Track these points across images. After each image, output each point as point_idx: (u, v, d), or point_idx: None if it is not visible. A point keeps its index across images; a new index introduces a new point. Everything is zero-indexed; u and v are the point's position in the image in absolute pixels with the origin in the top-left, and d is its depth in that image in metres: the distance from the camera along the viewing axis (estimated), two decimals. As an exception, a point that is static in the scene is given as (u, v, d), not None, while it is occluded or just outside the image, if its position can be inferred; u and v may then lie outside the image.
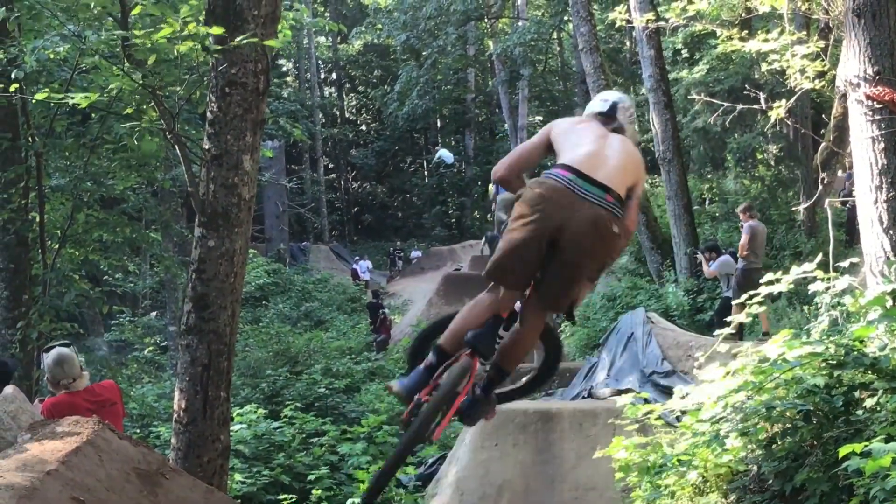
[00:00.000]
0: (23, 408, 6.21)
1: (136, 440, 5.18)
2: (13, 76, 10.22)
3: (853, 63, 8.72)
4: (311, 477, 14.58)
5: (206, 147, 8.23)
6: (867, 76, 8.57)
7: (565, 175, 5.11)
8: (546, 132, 5.77)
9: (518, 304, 5.37)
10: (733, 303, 14.40)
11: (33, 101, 10.04)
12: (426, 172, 56.26)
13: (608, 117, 5.79)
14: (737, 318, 8.64)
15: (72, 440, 4.56)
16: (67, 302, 14.06)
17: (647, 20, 17.54)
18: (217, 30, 7.62)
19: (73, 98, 8.37)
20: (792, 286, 8.08)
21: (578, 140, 5.46)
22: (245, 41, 7.62)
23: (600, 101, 5.94)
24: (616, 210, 5.08)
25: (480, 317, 5.24)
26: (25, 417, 6.06)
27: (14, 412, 6.12)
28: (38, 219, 13.63)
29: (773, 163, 22.51)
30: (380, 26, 41.21)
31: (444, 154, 44.24)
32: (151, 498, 4.69)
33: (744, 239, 14.18)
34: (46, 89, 9.68)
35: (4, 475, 4.02)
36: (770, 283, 8.02)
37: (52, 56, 9.67)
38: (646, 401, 9.90)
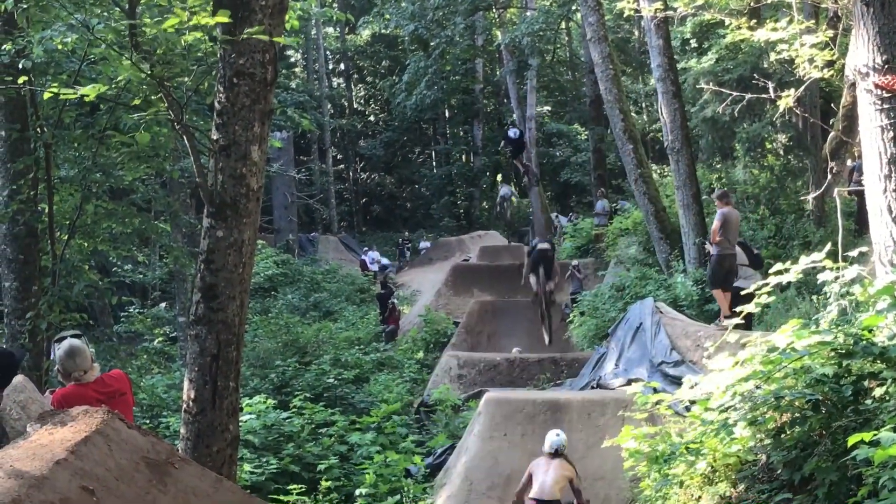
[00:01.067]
0: (32, 398, 6.24)
1: (146, 430, 5.19)
2: (21, 66, 10.23)
3: (862, 52, 8.69)
4: (321, 467, 14.63)
5: (215, 137, 8.24)
6: (876, 65, 8.54)
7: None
8: (529, 469, 10.73)
9: None
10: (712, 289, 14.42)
11: (44, 96, 10.00)
12: (434, 163, 56.26)
13: (554, 454, 10.63)
14: (747, 307, 8.64)
15: (81, 430, 4.57)
16: (77, 293, 14.08)
17: (656, 9, 17.47)
18: (222, 17, 7.61)
19: (81, 90, 8.37)
20: (801, 276, 8.08)
21: (537, 475, 10.54)
22: (254, 33, 7.61)
23: (549, 445, 10.70)
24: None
25: None
26: (35, 407, 6.09)
27: (23, 402, 6.15)
28: (47, 210, 13.66)
29: (781, 152, 22.41)
30: (388, 16, 41.03)
31: (506, 190, 42.27)
32: (161, 487, 4.71)
33: (715, 224, 14.04)
34: (55, 85, 9.69)
35: (14, 464, 4.03)
36: (779, 272, 8.02)
37: (60, 47, 9.67)
38: (655, 390, 9.92)
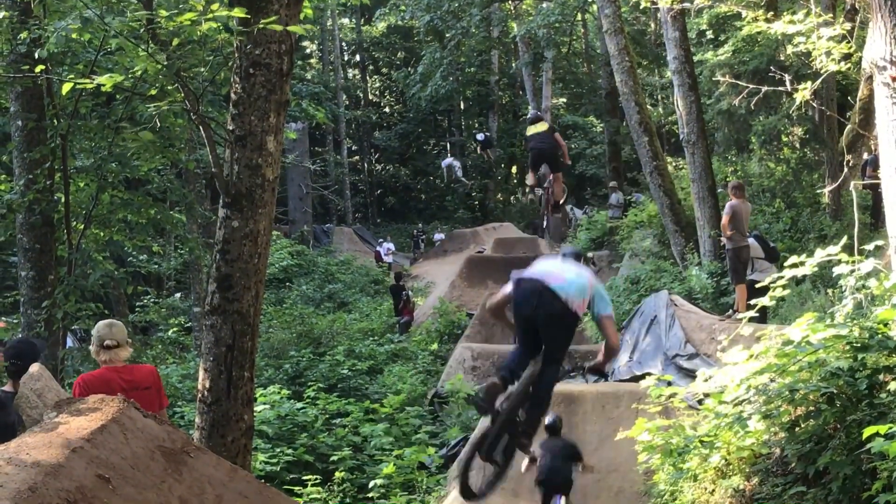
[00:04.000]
0: (49, 386, 6.26)
1: (161, 419, 5.22)
2: (36, 55, 10.26)
3: (879, 45, 8.63)
4: (334, 458, 14.64)
5: (230, 128, 8.26)
6: (893, 58, 8.48)
7: None
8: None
9: None
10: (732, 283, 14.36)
11: (62, 89, 10.02)
12: (449, 154, 56.27)
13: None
14: (762, 301, 8.62)
15: (97, 418, 4.59)
16: (92, 282, 14.13)
17: (672, 1, 17.41)
18: (238, 13, 7.62)
19: (97, 80, 8.39)
20: (816, 269, 8.06)
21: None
22: (269, 24, 7.62)
23: None
24: None
25: None
26: (51, 395, 6.11)
27: (40, 390, 6.17)
28: (63, 199, 13.71)
29: (798, 145, 22.31)
30: (403, 7, 41.05)
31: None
32: (176, 476, 4.73)
33: (724, 220, 14.06)
34: (72, 76, 9.70)
35: (31, 452, 4.06)
36: (794, 265, 8.00)
37: (75, 37, 9.69)
38: (669, 383, 9.91)
